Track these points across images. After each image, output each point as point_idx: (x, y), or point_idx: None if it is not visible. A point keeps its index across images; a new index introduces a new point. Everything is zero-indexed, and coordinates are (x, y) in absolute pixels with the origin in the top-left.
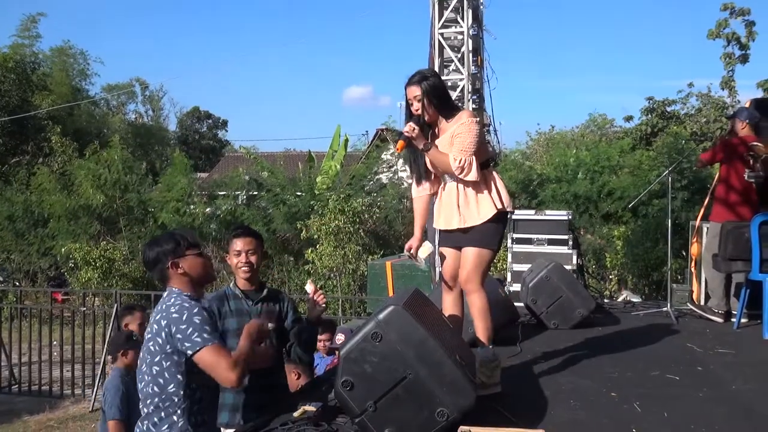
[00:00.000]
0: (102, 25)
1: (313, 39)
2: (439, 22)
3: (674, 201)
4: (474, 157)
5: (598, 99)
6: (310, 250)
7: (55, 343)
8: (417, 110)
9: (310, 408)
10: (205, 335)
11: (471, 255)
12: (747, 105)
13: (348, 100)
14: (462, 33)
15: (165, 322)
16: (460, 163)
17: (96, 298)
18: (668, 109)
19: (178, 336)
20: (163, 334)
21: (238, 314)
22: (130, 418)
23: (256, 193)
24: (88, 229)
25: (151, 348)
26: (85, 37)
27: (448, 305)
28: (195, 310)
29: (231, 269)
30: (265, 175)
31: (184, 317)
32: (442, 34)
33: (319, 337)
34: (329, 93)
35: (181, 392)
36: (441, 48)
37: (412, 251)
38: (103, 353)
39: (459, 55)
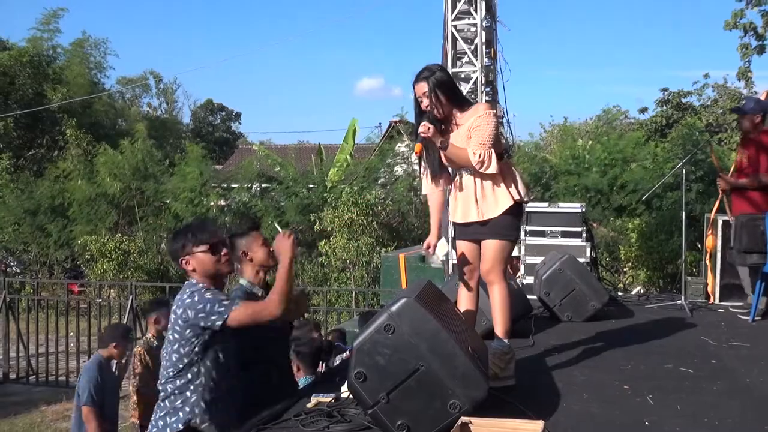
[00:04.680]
0: (116, 18)
1: (325, 31)
2: (452, 14)
3: (689, 193)
4: (493, 150)
5: (612, 90)
6: (323, 243)
7: (71, 334)
8: (427, 106)
9: (323, 399)
10: (225, 302)
11: (491, 247)
12: (763, 96)
13: (360, 91)
14: (475, 25)
15: (181, 310)
16: (480, 157)
17: (112, 290)
18: (683, 100)
19: (200, 315)
20: (180, 321)
21: None
22: (102, 407)
23: (268, 185)
24: (105, 218)
25: (170, 337)
26: (99, 29)
27: (464, 299)
28: (203, 290)
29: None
30: (277, 168)
31: (196, 298)
32: (455, 26)
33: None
34: (342, 85)
35: (196, 370)
36: (454, 40)
37: (430, 249)
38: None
39: (472, 47)
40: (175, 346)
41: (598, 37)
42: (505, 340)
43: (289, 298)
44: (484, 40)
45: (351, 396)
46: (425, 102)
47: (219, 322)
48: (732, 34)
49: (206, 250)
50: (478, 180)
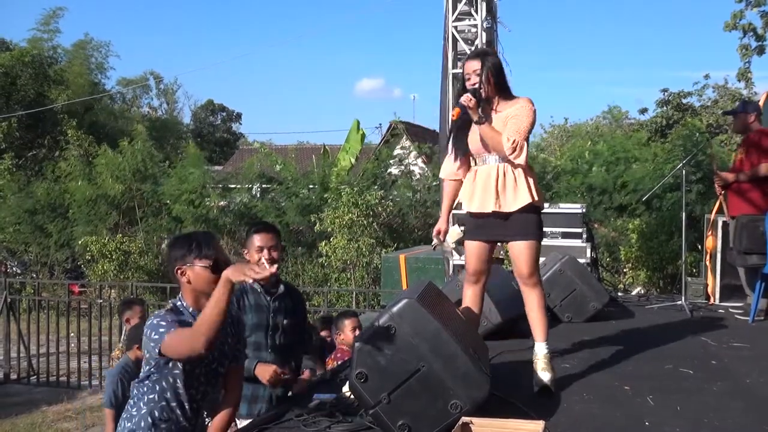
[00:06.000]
0: (116, 19)
1: (325, 31)
2: (452, 15)
3: (689, 194)
4: (525, 142)
5: (612, 91)
6: (324, 243)
7: (72, 334)
8: (474, 84)
9: (324, 399)
10: (161, 329)
11: (523, 249)
12: (763, 98)
13: (360, 92)
14: (476, 26)
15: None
16: (513, 143)
17: (112, 291)
18: (684, 101)
19: (146, 340)
20: (144, 341)
21: (257, 309)
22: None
23: (269, 186)
24: (106, 219)
25: (145, 352)
26: (99, 31)
27: (469, 299)
28: (159, 316)
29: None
30: (277, 168)
31: (148, 323)
32: (455, 27)
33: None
34: (342, 85)
35: (151, 385)
36: (455, 41)
37: (440, 236)
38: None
39: (473, 48)
40: (143, 362)
41: (598, 38)
42: (545, 343)
43: (217, 328)
44: (484, 41)
45: (352, 396)
46: (473, 80)
47: (156, 350)
48: (732, 35)
49: (207, 266)
50: (500, 171)
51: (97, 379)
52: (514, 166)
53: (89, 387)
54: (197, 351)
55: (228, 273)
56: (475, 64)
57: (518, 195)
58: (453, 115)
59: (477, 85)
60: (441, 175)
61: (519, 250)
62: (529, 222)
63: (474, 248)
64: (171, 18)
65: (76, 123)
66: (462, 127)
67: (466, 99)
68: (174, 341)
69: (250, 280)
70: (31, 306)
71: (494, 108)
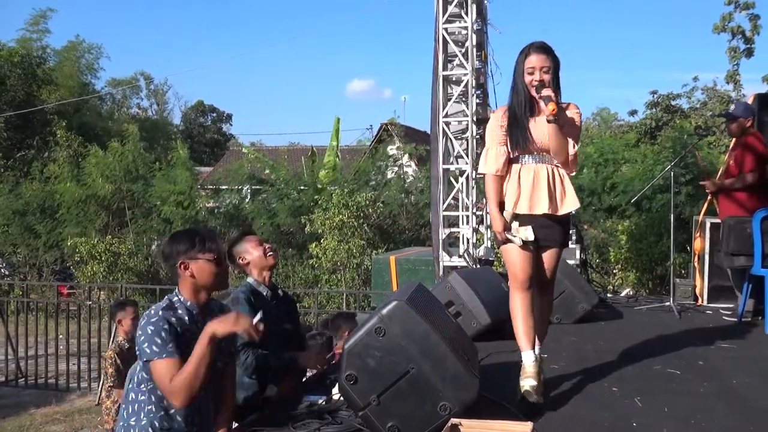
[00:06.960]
0: (106, 19)
1: (316, 32)
2: (443, 17)
3: (678, 196)
4: None
5: (601, 93)
6: (314, 245)
7: (60, 336)
8: (541, 80)
9: (314, 401)
10: (154, 347)
11: (554, 255)
12: (750, 100)
13: (351, 93)
14: (466, 28)
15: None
16: (575, 153)
17: (101, 292)
18: (673, 103)
19: (137, 341)
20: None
21: (266, 313)
22: None
23: (260, 187)
24: (95, 220)
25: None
26: (89, 31)
27: (530, 307)
28: (153, 320)
29: (239, 267)
30: (267, 172)
31: (142, 323)
32: (446, 29)
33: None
34: (333, 87)
35: (148, 394)
36: (445, 43)
37: (510, 231)
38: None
39: (463, 50)
40: (139, 362)
41: (588, 39)
42: (539, 347)
43: (200, 386)
44: (474, 43)
45: (342, 398)
46: (537, 75)
47: (142, 360)
48: (721, 38)
49: (212, 260)
50: (550, 173)
51: (85, 381)
52: (567, 169)
53: (78, 389)
54: (174, 402)
55: (213, 327)
56: (543, 60)
57: (568, 199)
58: (551, 111)
59: (543, 82)
60: (485, 170)
61: (551, 255)
62: (567, 228)
63: (521, 251)
64: (162, 19)
65: (65, 124)
66: (520, 122)
67: (552, 93)
68: (159, 374)
69: (240, 330)
70: (19, 308)
71: (540, 108)
